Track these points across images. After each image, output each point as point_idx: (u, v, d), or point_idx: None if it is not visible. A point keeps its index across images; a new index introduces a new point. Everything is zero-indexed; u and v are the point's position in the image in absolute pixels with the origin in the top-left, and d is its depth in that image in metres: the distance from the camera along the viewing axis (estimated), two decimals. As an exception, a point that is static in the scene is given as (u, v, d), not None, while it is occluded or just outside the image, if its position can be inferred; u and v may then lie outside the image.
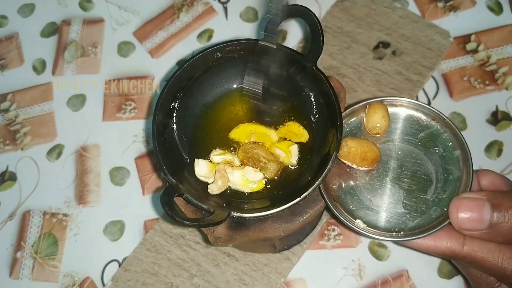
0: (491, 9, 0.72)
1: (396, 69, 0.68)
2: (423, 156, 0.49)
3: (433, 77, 0.69)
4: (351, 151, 0.47)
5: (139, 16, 0.77)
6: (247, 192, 0.49)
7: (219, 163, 0.48)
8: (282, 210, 0.44)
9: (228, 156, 0.49)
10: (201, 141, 0.51)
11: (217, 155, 0.49)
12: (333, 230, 0.62)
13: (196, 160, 0.48)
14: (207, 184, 0.49)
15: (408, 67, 0.68)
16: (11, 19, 0.79)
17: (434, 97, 0.68)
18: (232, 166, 0.48)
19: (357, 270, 0.60)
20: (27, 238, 0.65)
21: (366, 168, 0.48)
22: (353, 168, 0.48)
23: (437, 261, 0.60)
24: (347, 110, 0.50)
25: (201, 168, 0.48)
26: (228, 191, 0.48)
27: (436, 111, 0.49)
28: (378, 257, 0.61)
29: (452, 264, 0.58)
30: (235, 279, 0.60)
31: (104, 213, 0.66)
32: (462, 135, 0.48)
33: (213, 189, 0.47)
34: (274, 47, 0.47)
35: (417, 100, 0.66)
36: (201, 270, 0.61)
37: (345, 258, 0.61)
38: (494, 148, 0.65)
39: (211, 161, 0.49)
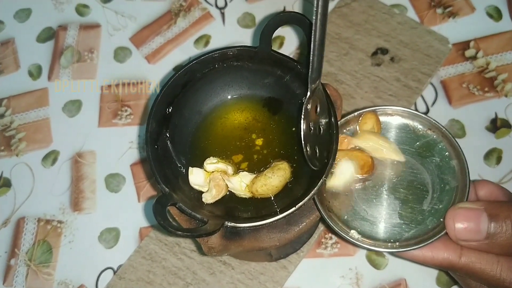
0: (490, 15, 0.72)
1: (394, 75, 0.68)
2: (419, 166, 0.48)
3: (431, 84, 0.68)
4: None
5: (135, 22, 0.77)
6: (242, 199, 0.48)
7: (212, 172, 0.48)
8: (277, 220, 0.43)
9: (222, 165, 0.48)
10: (195, 149, 0.51)
11: (210, 164, 0.48)
12: (330, 238, 0.62)
13: (190, 168, 0.48)
14: (202, 192, 0.48)
15: (406, 74, 0.68)
16: (7, 24, 0.78)
17: (433, 104, 0.67)
18: (226, 175, 0.48)
19: (354, 279, 0.60)
20: (21, 245, 0.64)
21: (360, 177, 0.48)
22: None
23: (435, 270, 0.59)
24: (342, 120, 0.50)
25: (196, 177, 0.47)
26: (224, 200, 0.48)
27: (432, 120, 0.49)
28: (376, 266, 0.60)
29: (450, 275, 0.58)
30: (231, 288, 0.59)
31: (99, 220, 0.65)
32: (459, 144, 0.47)
33: (207, 198, 0.47)
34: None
35: (415, 108, 0.67)
36: (197, 279, 0.60)
37: (343, 267, 0.60)
38: (493, 156, 0.64)
39: (205, 170, 0.48)
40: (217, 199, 0.47)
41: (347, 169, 0.47)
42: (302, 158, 0.48)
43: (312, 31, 0.42)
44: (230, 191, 0.48)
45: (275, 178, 0.46)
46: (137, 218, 0.65)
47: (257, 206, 0.47)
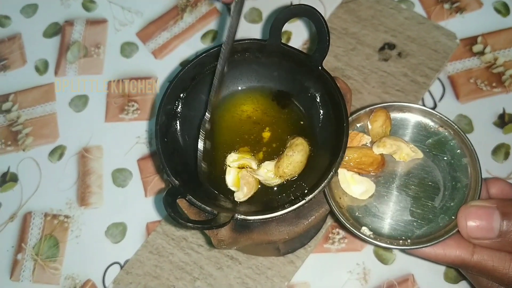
0: (497, 10, 0.72)
1: (401, 71, 0.68)
2: (430, 163, 0.48)
3: (439, 79, 0.68)
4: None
5: (142, 17, 0.77)
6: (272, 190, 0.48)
7: (241, 168, 0.48)
8: (287, 212, 0.43)
9: (245, 160, 0.48)
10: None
11: (233, 162, 0.48)
12: (338, 233, 0.62)
13: (228, 168, 0.48)
14: (212, 185, 0.48)
15: (414, 69, 0.68)
16: (14, 19, 0.78)
17: (440, 99, 0.67)
18: (251, 169, 0.48)
19: (362, 274, 0.60)
20: (28, 240, 0.64)
21: (372, 174, 0.48)
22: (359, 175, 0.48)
23: (443, 265, 0.59)
24: (354, 115, 0.49)
25: (231, 177, 0.48)
26: (257, 196, 0.48)
27: (444, 117, 0.48)
28: (383, 261, 0.60)
29: (460, 272, 0.57)
30: (238, 283, 0.59)
31: (106, 215, 0.65)
32: (470, 142, 0.47)
33: (240, 197, 0.47)
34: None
35: (422, 103, 0.66)
36: (204, 273, 0.60)
37: (350, 262, 0.60)
38: (501, 151, 0.64)
39: (228, 166, 0.48)
40: (249, 196, 0.47)
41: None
42: (313, 150, 0.48)
43: (219, 58, 0.44)
44: (261, 184, 0.48)
45: (297, 154, 0.46)
46: (144, 213, 0.65)
47: (287, 193, 0.47)
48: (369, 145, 0.49)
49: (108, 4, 0.78)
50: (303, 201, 0.43)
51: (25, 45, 0.76)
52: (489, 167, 0.63)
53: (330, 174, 0.44)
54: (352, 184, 0.46)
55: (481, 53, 0.69)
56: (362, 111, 0.49)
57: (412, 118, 0.50)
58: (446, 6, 0.73)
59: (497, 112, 0.66)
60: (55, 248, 0.64)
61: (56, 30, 0.77)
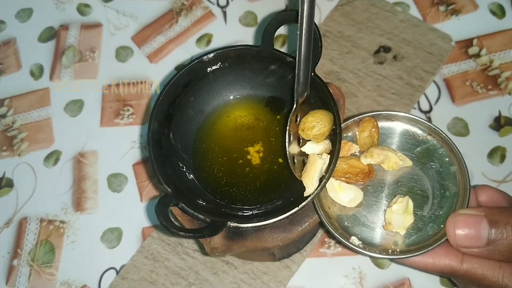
0: (493, 13, 0.72)
1: (397, 74, 0.68)
2: (419, 171, 0.47)
3: (434, 82, 0.68)
4: None
5: (137, 21, 0.76)
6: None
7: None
8: (280, 220, 0.43)
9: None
10: (198, 149, 0.51)
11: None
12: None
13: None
14: (204, 192, 0.48)
15: (409, 72, 0.67)
16: (9, 24, 0.78)
17: (436, 102, 0.67)
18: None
19: (358, 278, 0.59)
20: (23, 246, 0.64)
21: (360, 183, 0.47)
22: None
23: (439, 269, 0.59)
24: (343, 124, 0.48)
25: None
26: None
27: (432, 126, 0.48)
28: (379, 265, 0.60)
29: (452, 281, 0.57)
30: (234, 288, 0.59)
31: (102, 220, 0.65)
32: (459, 150, 0.47)
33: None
34: None
35: (418, 106, 0.66)
36: (199, 279, 0.60)
37: (346, 266, 0.60)
38: (497, 154, 0.64)
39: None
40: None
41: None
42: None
43: (297, 45, 0.43)
44: None
45: (319, 113, 0.45)
46: (139, 218, 0.65)
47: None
48: (358, 154, 0.49)
49: (103, 8, 0.78)
50: (296, 208, 0.43)
51: (20, 50, 0.76)
52: (485, 170, 0.63)
53: (323, 181, 0.44)
54: (340, 192, 0.46)
55: (477, 55, 0.69)
56: (351, 120, 0.49)
57: (400, 127, 0.50)
58: (442, 8, 0.73)
59: (493, 114, 0.66)
60: (51, 253, 0.64)
61: (51, 34, 0.77)
